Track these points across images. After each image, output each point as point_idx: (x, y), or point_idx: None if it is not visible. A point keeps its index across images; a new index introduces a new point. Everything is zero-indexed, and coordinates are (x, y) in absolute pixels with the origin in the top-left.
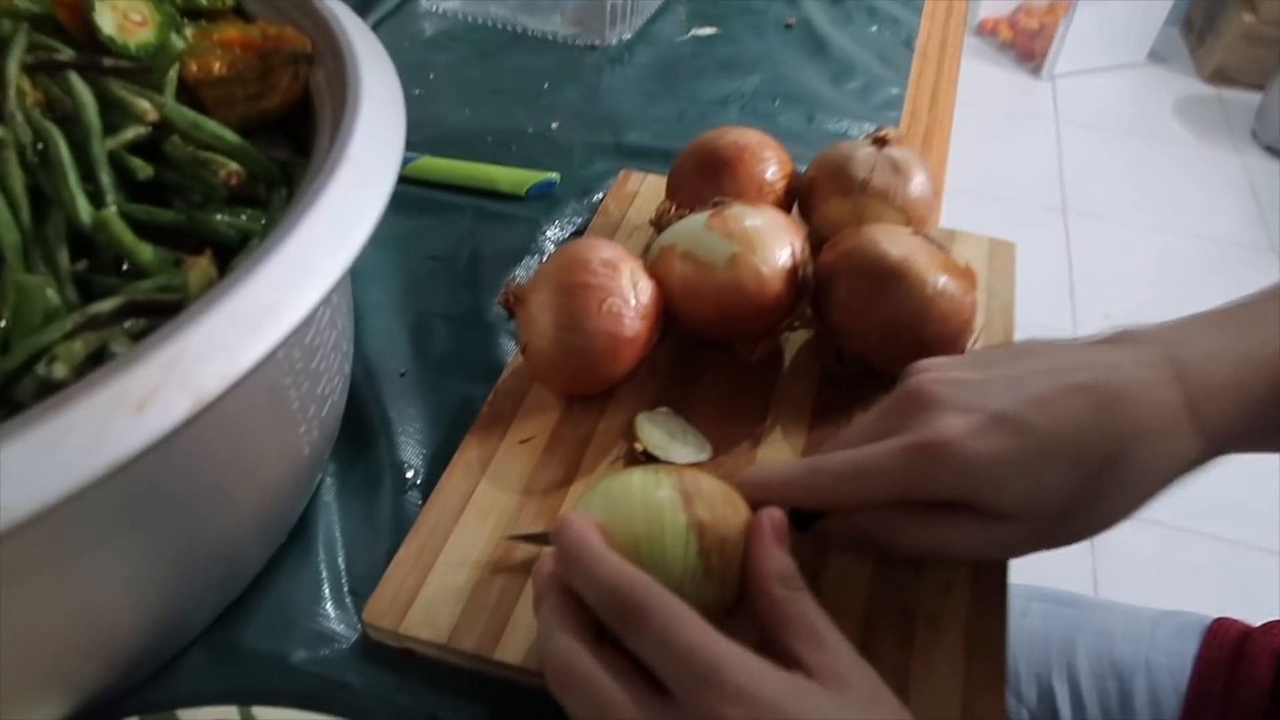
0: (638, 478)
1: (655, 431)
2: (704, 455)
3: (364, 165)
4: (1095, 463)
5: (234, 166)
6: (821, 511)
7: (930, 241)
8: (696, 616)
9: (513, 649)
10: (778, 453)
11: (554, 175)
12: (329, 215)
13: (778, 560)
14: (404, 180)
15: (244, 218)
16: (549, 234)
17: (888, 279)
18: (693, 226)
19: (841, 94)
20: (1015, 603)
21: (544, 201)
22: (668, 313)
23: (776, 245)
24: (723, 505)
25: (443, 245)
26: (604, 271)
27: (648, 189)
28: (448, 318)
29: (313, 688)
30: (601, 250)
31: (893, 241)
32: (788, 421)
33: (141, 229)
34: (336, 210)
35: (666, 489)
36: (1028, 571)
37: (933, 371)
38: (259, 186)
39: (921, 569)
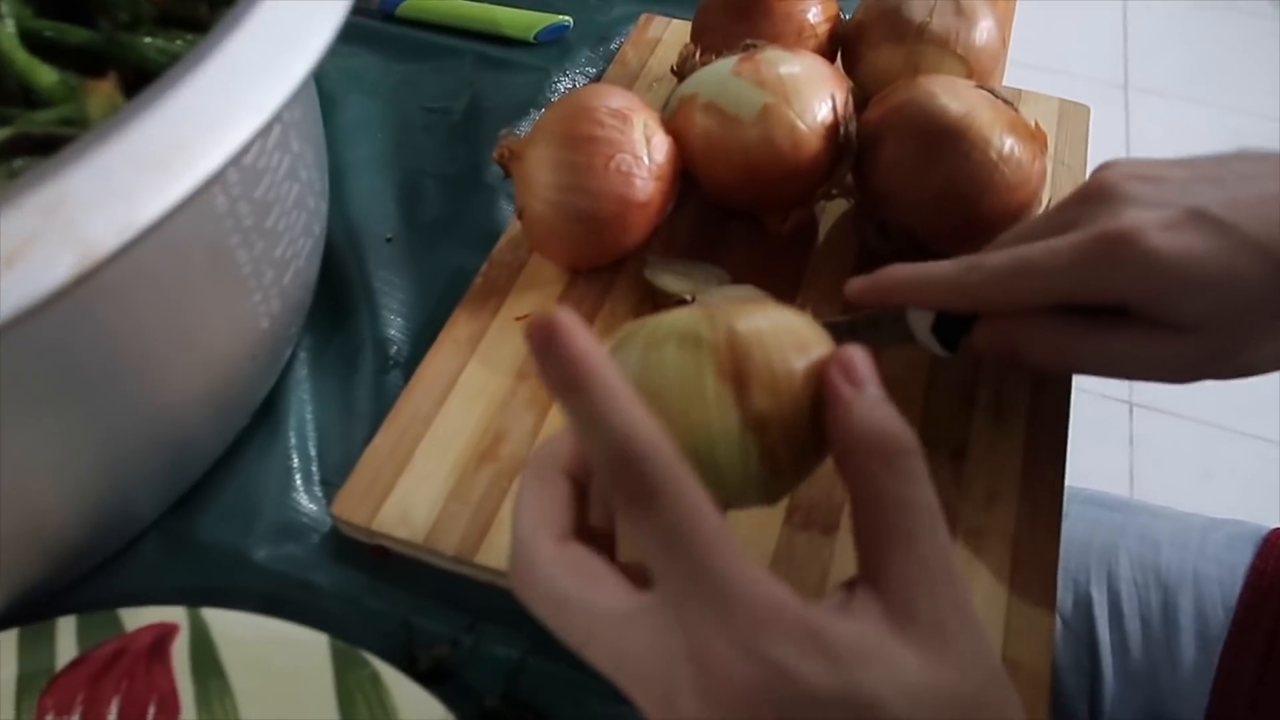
0: (672, 358)
1: (669, 277)
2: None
3: None
4: None
5: None
6: (969, 326)
7: (996, 97)
8: (723, 521)
9: (497, 551)
10: None
11: (566, 19)
12: (269, 31)
13: (881, 420)
14: (396, 21)
15: (178, 42)
16: (559, 85)
17: (944, 139)
18: (718, 73)
19: None
20: None
21: (554, 48)
22: (686, 174)
23: (815, 97)
24: (787, 368)
25: (438, 95)
26: (612, 123)
27: (671, 36)
28: (441, 177)
29: (274, 587)
30: (610, 98)
31: (952, 95)
32: (819, 304)
33: (50, 51)
34: (279, 24)
35: (709, 377)
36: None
37: (1124, 167)
38: (199, 5)
39: (961, 477)
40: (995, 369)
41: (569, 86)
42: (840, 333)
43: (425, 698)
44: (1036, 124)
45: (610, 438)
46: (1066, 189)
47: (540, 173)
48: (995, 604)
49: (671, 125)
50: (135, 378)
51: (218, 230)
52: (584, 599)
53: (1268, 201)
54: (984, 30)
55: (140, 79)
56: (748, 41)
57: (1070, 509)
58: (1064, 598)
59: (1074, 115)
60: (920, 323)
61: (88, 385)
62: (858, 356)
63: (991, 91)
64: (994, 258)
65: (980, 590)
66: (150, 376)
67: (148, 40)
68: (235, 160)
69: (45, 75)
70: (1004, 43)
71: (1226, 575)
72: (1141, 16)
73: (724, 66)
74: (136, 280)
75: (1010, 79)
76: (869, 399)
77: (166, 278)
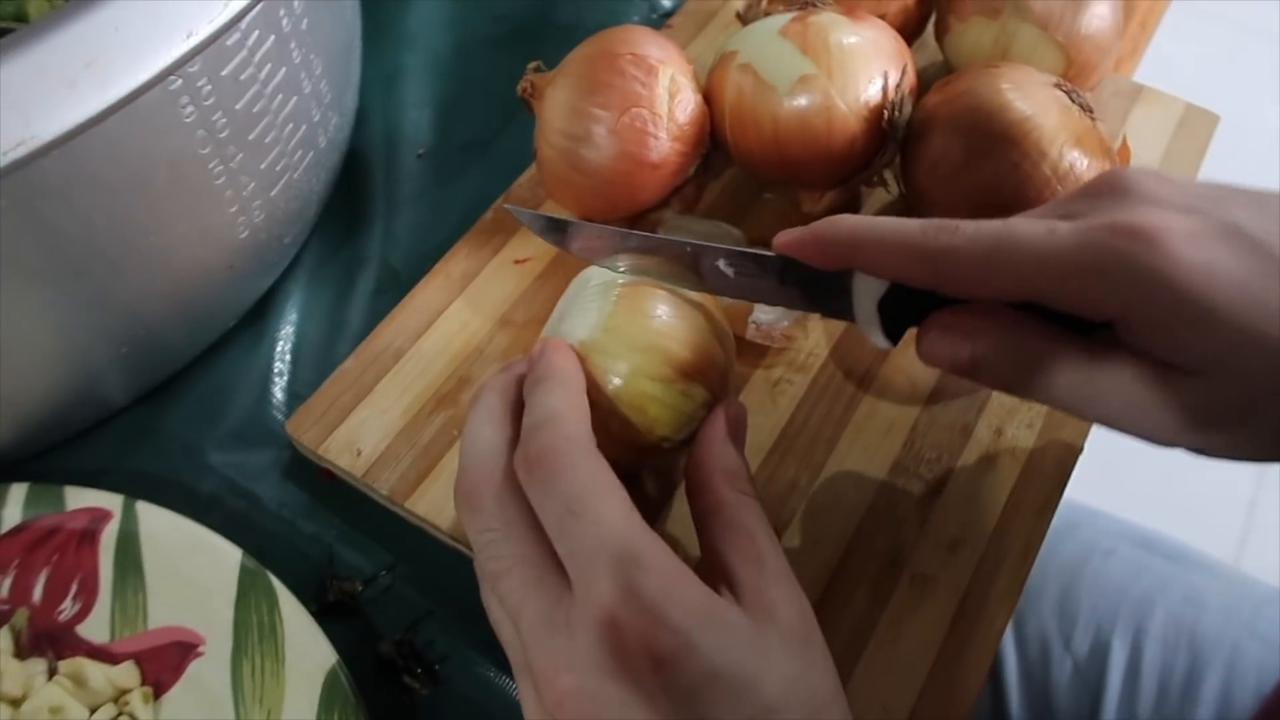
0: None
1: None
2: None
3: None
4: None
5: None
6: (923, 314)
7: (1075, 99)
8: (625, 496)
9: (428, 500)
10: (822, 333)
11: None
12: None
13: (730, 456)
14: None
15: None
16: (639, 10)
17: (996, 141)
18: (765, 31)
19: None
20: (1102, 540)
21: None
22: (718, 138)
23: (865, 74)
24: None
25: (512, 4)
26: (635, 73)
27: None
28: (488, 94)
29: (219, 491)
30: (639, 43)
31: (1022, 91)
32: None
33: None
34: None
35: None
36: (1169, 521)
37: (1145, 169)
38: None
39: (928, 518)
40: (1003, 402)
41: (648, 14)
42: (769, 271)
43: (316, 634)
44: (1122, 143)
45: (541, 408)
46: None
47: (555, 116)
48: (920, 660)
49: (710, 80)
50: (89, 274)
51: (184, 141)
52: (524, 535)
53: None
54: (1097, 16)
55: None
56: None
57: (1119, 546)
58: (1081, 642)
59: (1197, 125)
60: (866, 295)
61: (41, 275)
62: (743, 416)
63: (1072, 92)
64: (975, 224)
65: (906, 645)
66: (105, 275)
67: None
68: (151, 86)
69: None
70: (1119, 33)
71: (1270, 658)
72: None
73: (774, 24)
74: (80, 183)
75: (1224, 38)
76: (733, 446)
77: (117, 183)
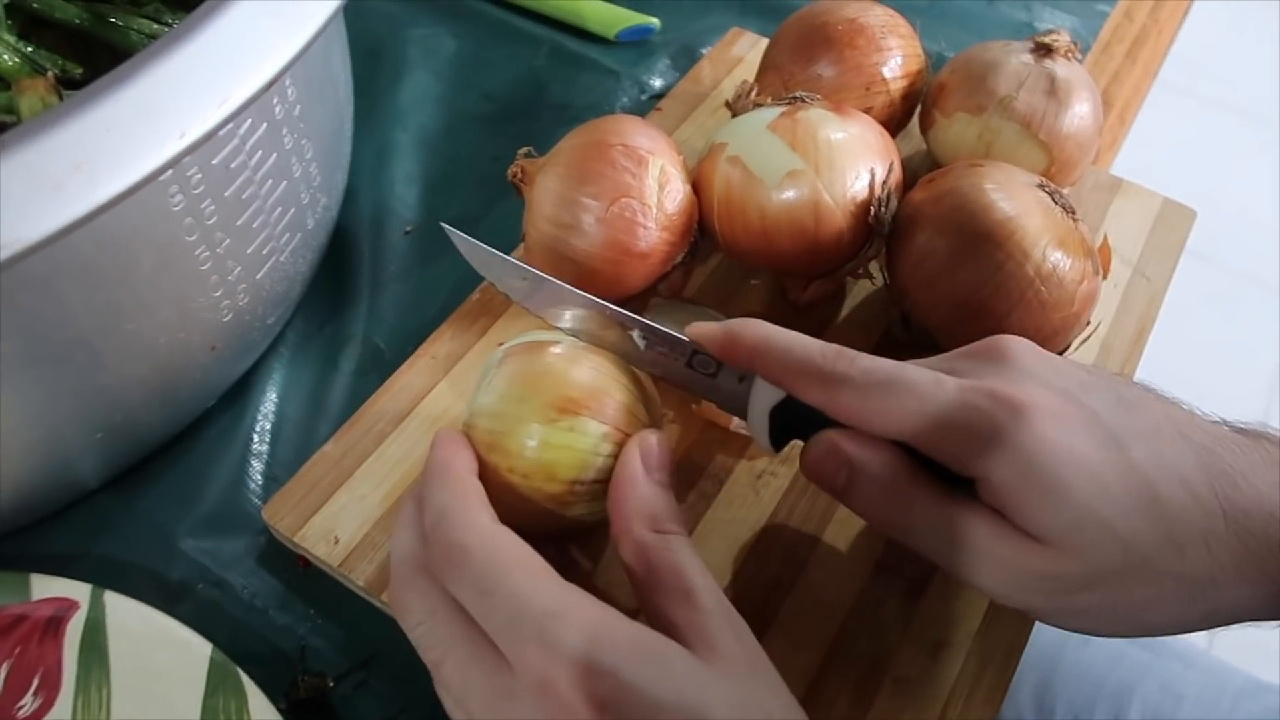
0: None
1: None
2: None
3: None
4: (1181, 534)
5: None
6: (811, 430)
7: (1058, 201)
8: (535, 559)
9: None
10: None
11: (653, 20)
12: (223, 40)
13: (646, 498)
14: None
15: (172, 24)
16: (630, 91)
17: (980, 242)
18: (753, 125)
19: None
20: None
21: (634, 50)
22: (706, 228)
23: (852, 169)
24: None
25: (502, 83)
26: (626, 164)
27: (755, 56)
28: (478, 173)
29: (190, 579)
30: (631, 134)
31: (1006, 192)
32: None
33: (40, 26)
34: (238, 33)
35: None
36: None
37: (1028, 344)
38: None
39: (912, 619)
40: None
41: (636, 96)
42: (679, 352)
43: None
44: (1103, 243)
45: (431, 503)
46: (1140, 305)
47: (545, 203)
48: None
49: (700, 170)
50: (68, 361)
51: (171, 229)
52: (449, 618)
53: (1160, 436)
54: (1077, 116)
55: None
56: (798, 94)
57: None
58: None
59: (1175, 219)
60: (761, 399)
61: (18, 363)
62: (657, 445)
63: (1054, 193)
64: (870, 359)
65: None
66: (84, 362)
67: (138, 22)
68: (140, 187)
69: (7, 59)
70: (1099, 131)
71: None
72: None
73: (765, 118)
74: (66, 273)
75: (1199, 114)
76: (653, 483)
77: (102, 271)
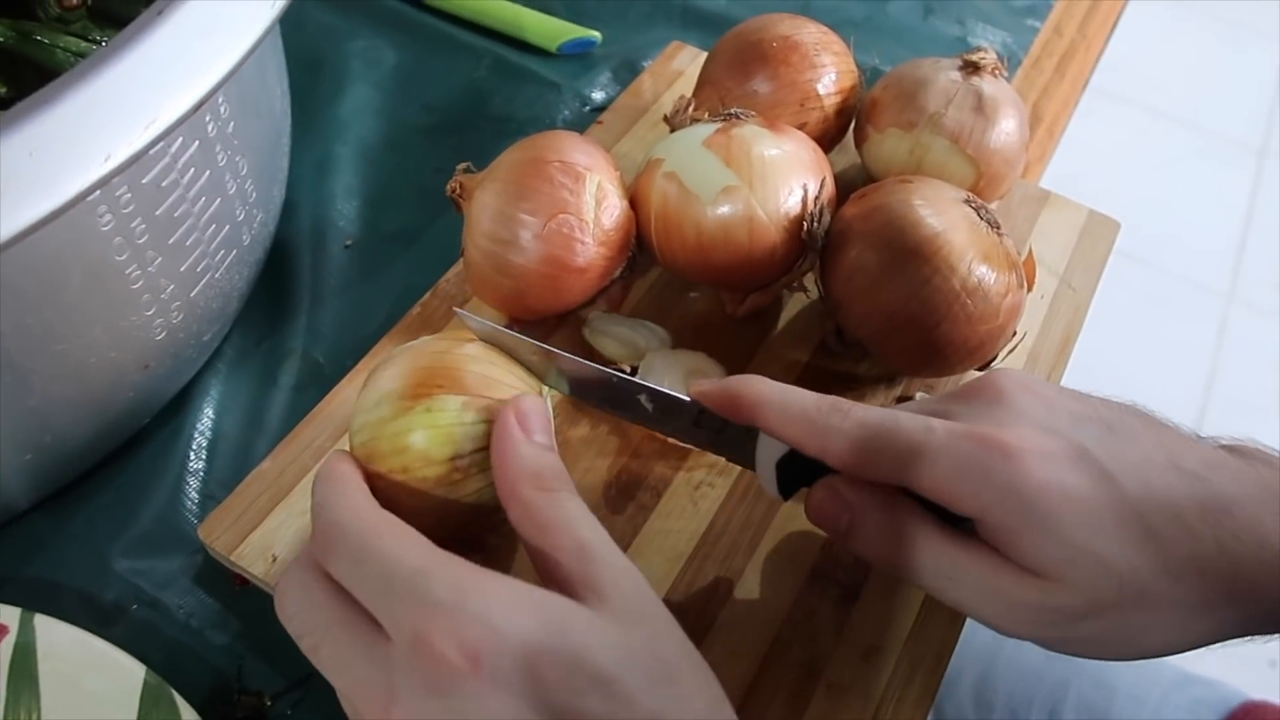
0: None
1: (608, 340)
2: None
3: (216, 14)
4: (1175, 563)
5: None
6: (814, 477)
7: (983, 216)
8: (404, 528)
9: None
10: None
11: (594, 34)
12: (152, 60)
13: (526, 456)
14: (424, 9)
15: (103, 44)
16: (569, 105)
17: (908, 257)
18: (689, 141)
19: None
20: None
21: (576, 63)
22: (644, 243)
23: (785, 185)
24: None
25: (443, 95)
26: (563, 180)
27: (694, 69)
28: (420, 186)
29: (124, 599)
30: (568, 151)
31: (934, 208)
32: None
33: None
34: (167, 52)
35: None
36: None
37: (1019, 378)
38: (140, 6)
39: (845, 625)
40: None
41: (577, 108)
42: (685, 413)
43: None
44: (1028, 257)
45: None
46: (1066, 315)
47: (483, 219)
48: None
49: (636, 186)
50: None
51: (100, 249)
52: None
53: (1152, 467)
54: (1004, 133)
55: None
56: (733, 111)
57: None
58: None
59: (1100, 231)
60: (767, 453)
61: None
62: (535, 408)
63: (980, 208)
64: (864, 410)
65: None
66: (11, 383)
67: (64, 40)
68: (64, 211)
69: None
70: (1025, 146)
71: None
72: None
73: (700, 134)
74: None
75: (1130, 124)
76: (534, 445)
77: (28, 292)
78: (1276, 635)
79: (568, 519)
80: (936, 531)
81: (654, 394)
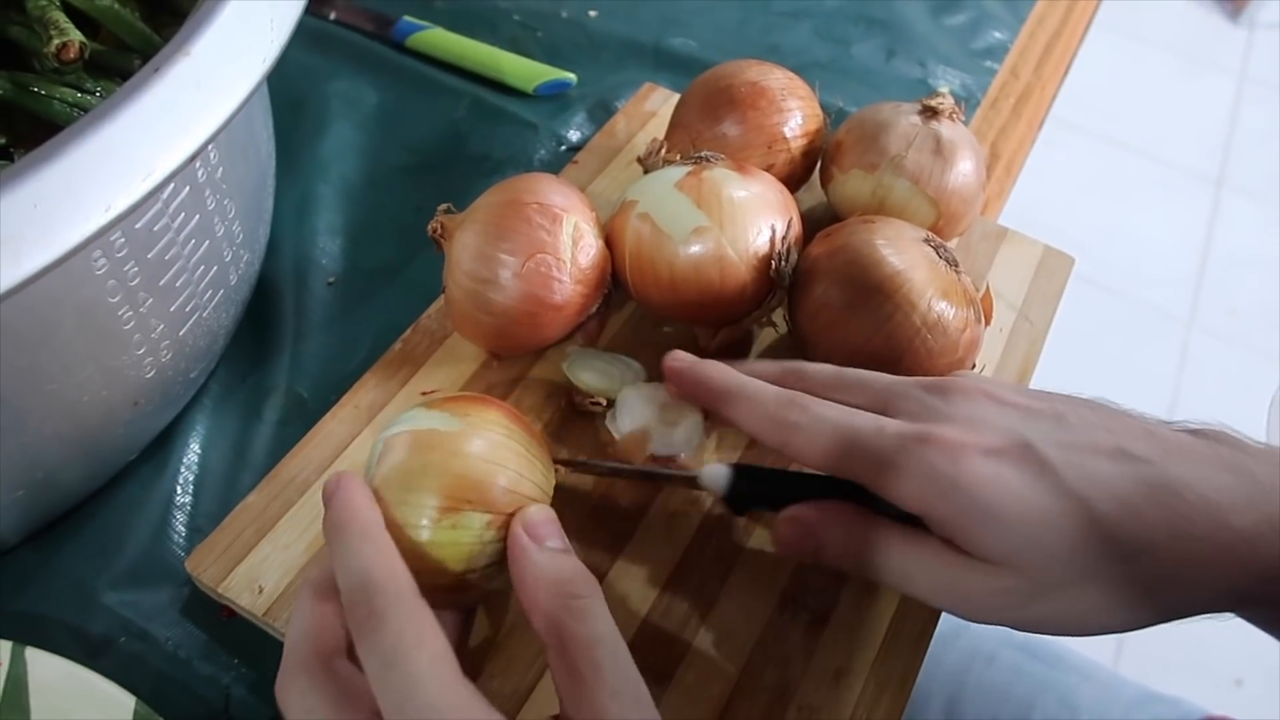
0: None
1: (586, 374)
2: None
3: (208, 69)
4: (1122, 546)
5: (73, 36)
6: (768, 505)
7: (942, 255)
8: (444, 646)
9: None
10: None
11: (570, 75)
12: (148, 115)
13: (544, 567)
14: (404, 51)
15: (98, 94)
16: (546, 144)
17: (871, 294)
18: (662, 183)
19: (938, 29)
20: (983, 645)
21: (553, 103)
22: (619, 280)
23: (754, 225)
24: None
25: (423, 135)
26: (541, 221)
27: (667, 110)
28: (398, 223)
29: (112, 632)
30: (545, 193)
31: (896, 247)
32: (728, 427)
33: None
34: (162, 108)
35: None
36: None
37: (981, 382)
38: (134, 59)
39: (815, 649)
40: None
41: (553, 148)
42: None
43: None
44: (985, 293)
45: (353, 567)
46: (1024, 347)
47: (463, 258)
48: None
49: (611, 226)
50: None
51: (94, 291)
52: (332, 716)
53: (1097, 454)
54: (961, 174)
55: (53, 130)
56: (703, 153)
57: (999, 653)
58: None
59: (1055, 266)
60: (717, 476)
61: None
62: (542, 517)
63: (939, 247)
64: (820, 406)
65: None
66: (4, 422)
67: (61, 91)
68: (65, 260)
69: None
70: (983, 186)
71: None
72: (1252, 109)
73: (672, 176)
74: None
75: (1093, 154)
76: (548, 552)
77: (23, 333)
78: (1236, 614)
79: (589, 638)
80: (893, 534)
81: (645, 473)
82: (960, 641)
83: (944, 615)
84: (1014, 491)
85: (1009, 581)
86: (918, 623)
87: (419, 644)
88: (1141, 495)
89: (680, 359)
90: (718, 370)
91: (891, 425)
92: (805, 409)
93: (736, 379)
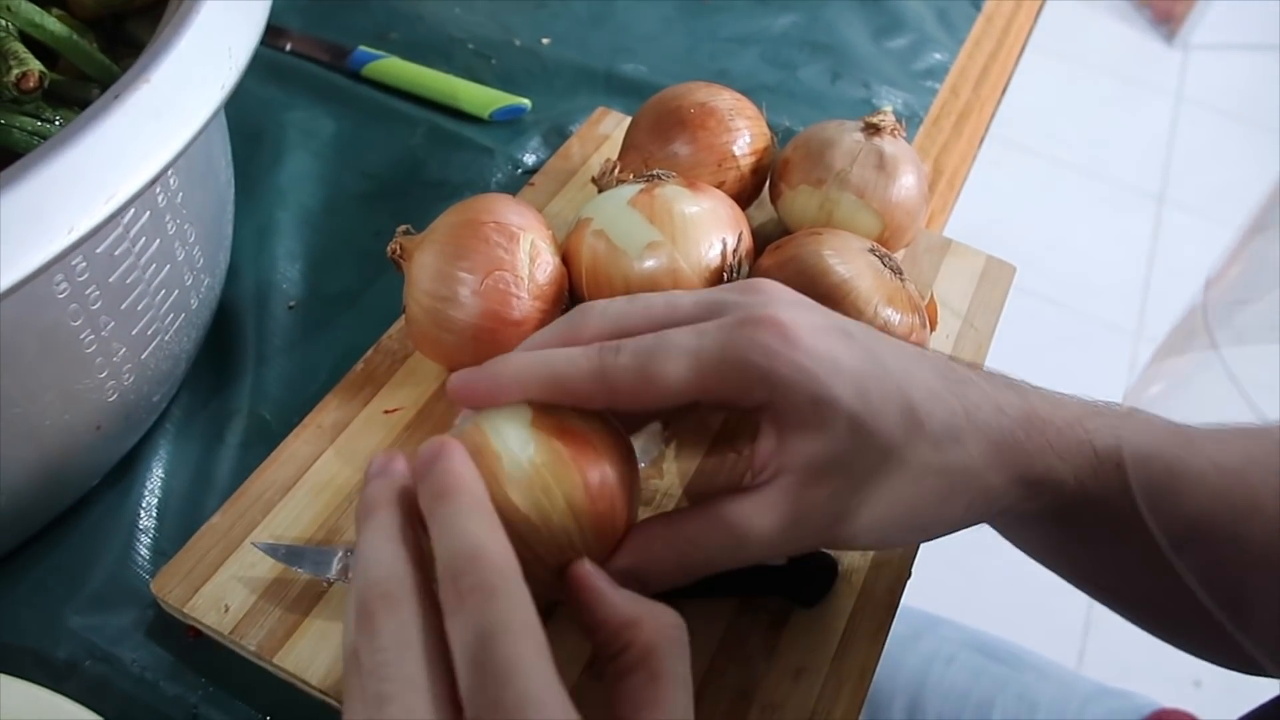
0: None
1: None
2: None
3: (168, 97)
4: (934, 434)
5: (32, 66)
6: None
7: (887, 264)
8: (545, 640)
9: (296, 656)
10: (675, 474)
11: (524, 101)
12: (108, 142)
13: (617, 606)
14: (360, 80)
15: (58, 123)
16: (502, 168)
17: (820, 301)
18: (615, 201)
19: (880, 51)
20: (943, 647)
21: (508, 129)
22: (576, 296)
23: (705, 240)
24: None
25: (381, 162)
26: (498, 239)
27: (620, 134)
28: (360, 249)
29: (78, 656)
30: (502, 212)
31: (842, 257)
32: (686, 437)
33: None
34: (122, 135)
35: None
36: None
37: (774, 281)
38: (93, 88)
39: (775, 649)
40: None
41: (509, 172)
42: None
43: None
44: (930, 301)
45: (464, 535)
46: (970, 352)
47: (423, 278)
48: None
49: (568, 243)
50: None
51: (56, 315)
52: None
53: (905, 355)
54: (904, 187)
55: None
56: (655, 172)
57: (959, 654)
58: None
59: (997, 275)
60: None
61: None
62: (587, 573)
63: (884, 256)
64: (630, 341)
65: None
66: None
67: (20, 120)
68: (27, 282)
69: None
70: (926, 199)
71: None
72: (1190, 128)
73: (625, 194)
74: None
75: (1038, 174)
76: (618, 592)
77: None
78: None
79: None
80: (696, 509)
81: None
82: (921, 644)
83: (902, 617)
84: (848, 373)
85: (835, 481)
86: (874, 620)
87: (525, 630)
88: (945, 387)
89: (455, 378)
90: (506, 361)
91: (710, 324)
92: (618, 350)
93: (527, 356)
